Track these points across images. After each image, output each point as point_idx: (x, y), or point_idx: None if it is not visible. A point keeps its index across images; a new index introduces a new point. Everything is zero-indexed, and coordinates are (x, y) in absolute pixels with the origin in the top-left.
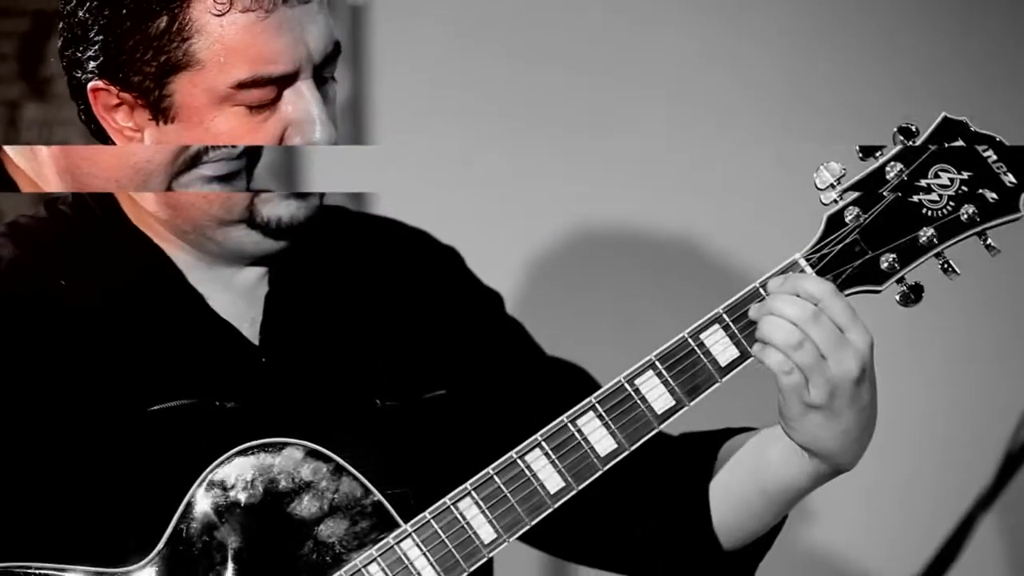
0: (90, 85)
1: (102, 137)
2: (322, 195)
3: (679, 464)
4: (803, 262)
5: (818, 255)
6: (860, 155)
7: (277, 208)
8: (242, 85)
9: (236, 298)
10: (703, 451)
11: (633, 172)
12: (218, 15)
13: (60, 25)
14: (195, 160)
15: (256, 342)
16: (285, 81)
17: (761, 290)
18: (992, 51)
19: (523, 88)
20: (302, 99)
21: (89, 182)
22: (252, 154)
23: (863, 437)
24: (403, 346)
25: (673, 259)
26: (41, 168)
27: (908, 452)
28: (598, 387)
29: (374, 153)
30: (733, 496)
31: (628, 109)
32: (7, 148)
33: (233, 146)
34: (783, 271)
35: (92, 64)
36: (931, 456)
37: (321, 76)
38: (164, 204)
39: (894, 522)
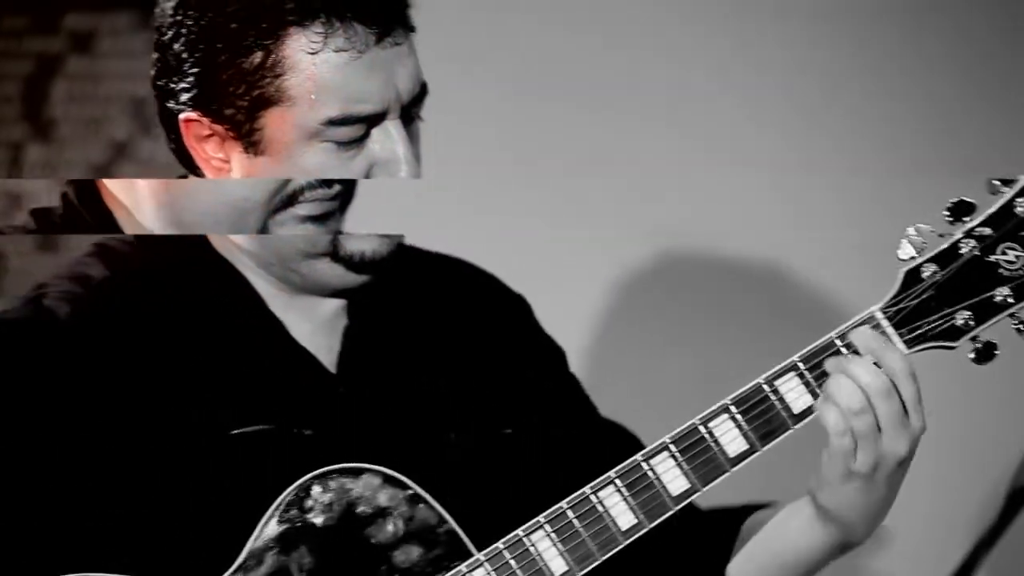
0: (182, 116)
1: (191, 167)
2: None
3: (701, 541)
4: (880, 315)
5: (895, 309)
6: (950, 218)
7: (361, 243)
8: (332, 122)
9: (316, 328)
10: (725, 528)
11: (690, 209)
12: (311, 53)
13: (154, 56)
14: (291, 199)
15: (334, 371)
16: (374, 120)
17: (837, 341)
18: (997, 53)
19: (568, 123)
20: (389, 138)
21: (186, 217)
22: (346, 194)
23: (880, 516)
24: (472, 385)
25: (734, 296)
26: (139, 203)
27: (909, 489)
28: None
29: (419, 187)
30: (751, 566)
31: (670, 142)
32: (107, 181)
33: (328, 185)
34: (859, 324)
35: (186, 96)
36: (932, 494)
37: (409, 115)
38: (252, 236)
39: (897, 561)
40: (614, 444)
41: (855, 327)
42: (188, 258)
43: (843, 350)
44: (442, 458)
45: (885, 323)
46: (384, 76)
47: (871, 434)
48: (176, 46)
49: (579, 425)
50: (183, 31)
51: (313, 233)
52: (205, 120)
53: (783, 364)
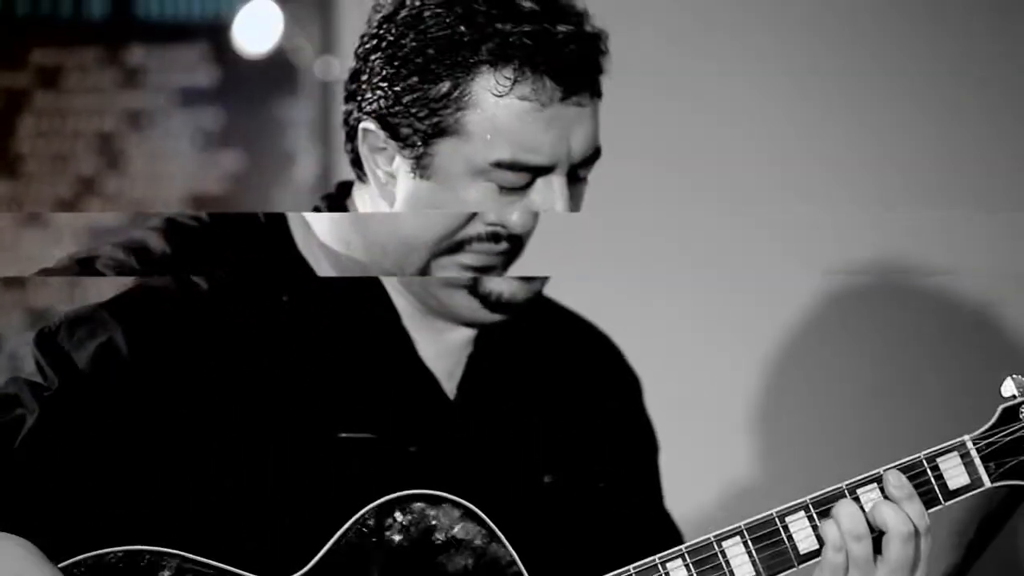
0: (362, 124)
1: (360, 173)
2: (544, 280)
3: None
4: (970, 444)
5: (986, 441)
6: None
7: (501, 284)
8: (500, 165)
9: (441, 351)
10: None
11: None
12: (497, 95)
13: (354, 63)
14: (459, 247)
15: (452, 397)
16: (540, 171)
17: (925, 462)
18: None
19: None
20: (551, 192)
21: (355, 242)
22: (512, 252)
23: None
24: (571, 439)
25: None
26: (313, 225)
27: None
28: None
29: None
30: None
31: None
32: (299, 215)
33: (496, 240)
34: (949, 449)
35: (369, 106)
36: None
37: (575, 174)
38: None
39: None
40: (657, 538)
41: (944, 452)
42: None
43: (928, 472)
44: (531, 498)
45: (974, 453)
46: (560, 133)
47: (867, 565)
48: (373, 57)
49: (640, 510)
50: (383, 44)
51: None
52: (382, 134)
53: (866, 475)
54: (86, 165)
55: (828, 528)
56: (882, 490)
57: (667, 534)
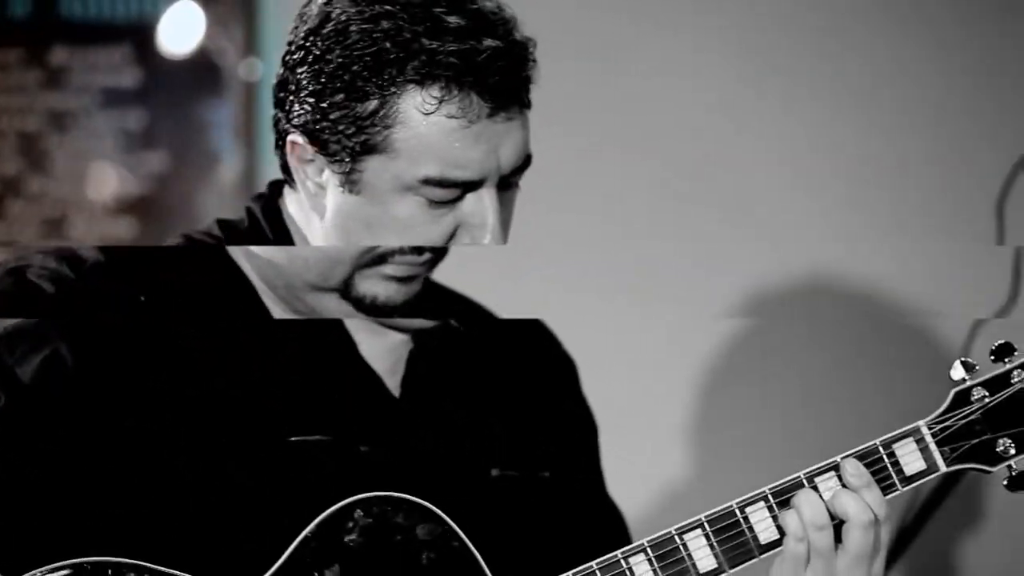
0: (289, 137)
1: (290, 181)
2: (426, 279)
3: None
4: (925, 429)
5: (940, 426)
6: (992, 358)
7: (375, 287)
8: (429, 181)
9: (384, 349)
10: None
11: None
12: (424, 113)
13: (281, 71)
14: (382, 259)
15: (396, 394)
16: (470, 186)
17: (882, 450)
18: None
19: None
20: (481, 205)
21: (277, 255)
22: (435, 260)
23: None
24: (515, 429)
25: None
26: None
27: None
28: (628, 539)
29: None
30: None
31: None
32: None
33: (419, 252)
34: (903, 436)
35: (297, 119)
36: None
37: (506, 182)
38: (267, 258)
39: None
40: (603, 523)
41: (899, 438)
42: None
43: (885, 459)
44: (481, 492)
45: (929, 438)
46: (488, 147)
47: (828, 553)
48: (299, 70)
49: (582, 496)
50: (309, 58)
51: (395, 292)
52: (310, 148)
53: (824, 463)
54: (9, 165)
55: (789, 518)
56: (840, 478)
57: (612, 520)
